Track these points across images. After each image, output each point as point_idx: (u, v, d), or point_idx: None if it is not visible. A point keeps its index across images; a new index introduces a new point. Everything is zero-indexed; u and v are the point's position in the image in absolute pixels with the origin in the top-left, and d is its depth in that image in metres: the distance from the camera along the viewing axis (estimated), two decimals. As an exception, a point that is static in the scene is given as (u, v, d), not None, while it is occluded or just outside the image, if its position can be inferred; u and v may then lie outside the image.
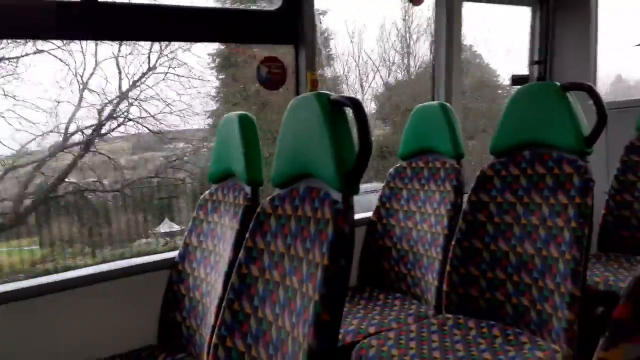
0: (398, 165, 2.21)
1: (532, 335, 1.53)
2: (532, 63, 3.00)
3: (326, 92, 1.19)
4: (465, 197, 1.82)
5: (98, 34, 1.79)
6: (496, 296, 1.67)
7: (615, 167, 2.30)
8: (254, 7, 2.10)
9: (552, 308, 1.48)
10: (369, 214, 2.23)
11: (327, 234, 1.07)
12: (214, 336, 1.27)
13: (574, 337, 1.39)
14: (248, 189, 1.58)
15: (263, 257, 1.26)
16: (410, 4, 2.57)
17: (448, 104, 2.10)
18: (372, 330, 1.70)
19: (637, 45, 2.90)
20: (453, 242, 1.76)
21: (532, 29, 3.02)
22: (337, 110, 1.14)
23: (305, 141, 1.21)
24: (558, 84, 1.66)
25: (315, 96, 1.16)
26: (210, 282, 1.59)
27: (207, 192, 1.78)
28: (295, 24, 2.10)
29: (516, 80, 3.00)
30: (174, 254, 1.79)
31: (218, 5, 2.05)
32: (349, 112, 1.15)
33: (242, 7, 2.08)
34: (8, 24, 1.58)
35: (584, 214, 1.48)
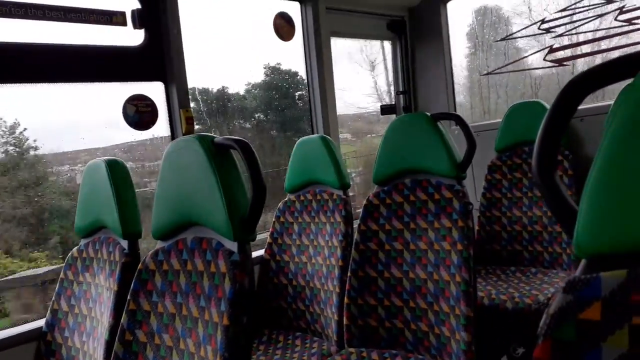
0: (286, 199, 2.17)
1: None
2: (397, 93, 3.21)
3: (209, 134, 1.11)
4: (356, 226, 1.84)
5: None
6: (395, 324, 1.68)
7: (482, 186, 2.51)
8: (115, 44, 1.95)
9: (449, 331, 1.53)
10: (261, 252, 2.16)
11: (224, 290, 0.98)
12: None
13: (473, 357, 1.44)
14: (124, 243, 1.42)
15: (150, 320, 1.13)
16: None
17: (328, 136, 2.13)
18: None
19: (485, 74, 3.25)
20: (349, 273, 1.76)
21: (394, 61, 3.24)
22: (222, 153, 1.07)
23: (189, 188, 1.11)
24: (429, 114, 1.77)
25: (197, 139, 1.08)
26: (87, 352, 1.39)
27: (75, 248, 1.57)
28: (162, 60, 2.00)
29: (384, 109, 3.18)
30: (40, 322, 1.55)
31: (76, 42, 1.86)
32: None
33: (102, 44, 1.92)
34: None
35: (467, 235, 1.56)
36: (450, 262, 1.57)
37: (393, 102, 3.23)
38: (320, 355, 1.76)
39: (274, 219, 2.18)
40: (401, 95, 3.18)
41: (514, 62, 2.84)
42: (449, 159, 1.69)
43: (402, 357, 1.58)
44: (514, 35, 2.79)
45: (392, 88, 3.30)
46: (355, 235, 1.81)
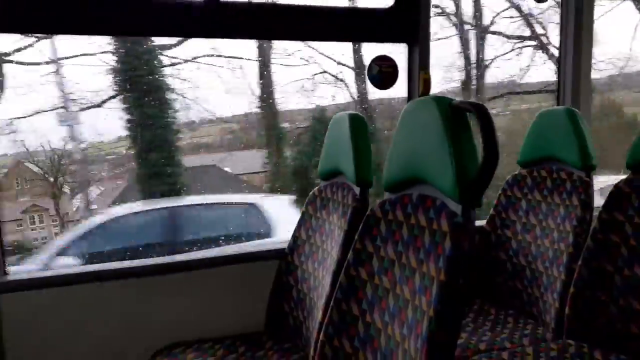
0: (517, 172, 2.05)
1: None
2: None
3: (446, 96, 1.12)
4: (596, 214, 1.64)
5: (217, 32, 1.88)
6: (629, 328, 1.48)
7: None
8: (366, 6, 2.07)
9: None
10: (482, 222, 2.11)
11: (444, 248, 1.01)
12: (322, 333, 1.26)
13: None
14: (357, 190, 1.56)
15: (372, 261, 1.23)
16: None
17: (576, 110, 1.91)
18: (482, 347, 1.60)
19: None
20: (579, 262, 1.59)
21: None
22: (458, 116, 1.08)
23: (421, 146, 1.15)
24: None
25: (434, 100, 1.11)
26: (318, 277, 1.60)
27: (315, 188, 1.79)
28: (409, 22, 2.04)
29: None
30: (284, 245, 1.84)
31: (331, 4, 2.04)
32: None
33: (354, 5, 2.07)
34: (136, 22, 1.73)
35: None
36: None
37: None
38: (534, 339, 1.66)
39: (500, 192, 2.09)
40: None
41: None
42: None
43: None
44: None
45: None
46: (594, 223, 1.62)
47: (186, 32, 2.01)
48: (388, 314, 1.14)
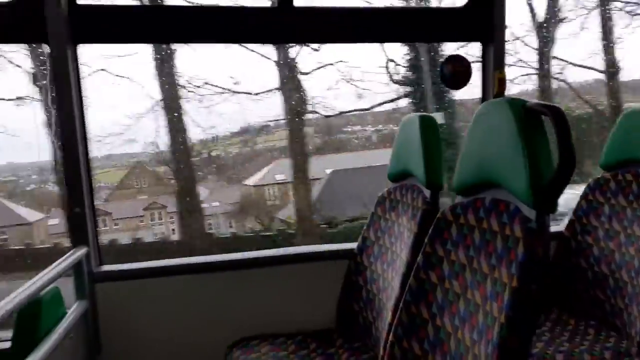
0: (599, 176, 1.94)
1: None
2: None
3: (520, 98, 1.10)
4: None
5: (292, 37, 1.95)
6: None
7: None
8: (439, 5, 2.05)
9: None
10: (561, 227, 2.01)
11: (517, 254, 0.99)
12: (391, 334, 1.27)
13: None
14: (427, 192, 1.55)
15: (442, 265, 1.23)
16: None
17: None
18: (559, 358, 1.54)
19: None
20: None
21: None
22: (533, 118, 1.05)
23: (494, 150, 1.13)
24: None
25: (507, 102, 1.09)
26: (387, 278, 1.62)
27: (385, 190, 1.81)
28: (484, 21, 2.00)
29: None
30: (353, 245, 1.88)
31: (404, 4, 2.04)
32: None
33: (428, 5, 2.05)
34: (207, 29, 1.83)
35: None
36: None
37: None
38: (617, 353, 1.57)
39: (580, 196, 1.98)
40: None
41: None
42: None
43: None
44: None
45: None
46: None
47: (257, 38, 2.11)
48: (458, 318, 1.14)
